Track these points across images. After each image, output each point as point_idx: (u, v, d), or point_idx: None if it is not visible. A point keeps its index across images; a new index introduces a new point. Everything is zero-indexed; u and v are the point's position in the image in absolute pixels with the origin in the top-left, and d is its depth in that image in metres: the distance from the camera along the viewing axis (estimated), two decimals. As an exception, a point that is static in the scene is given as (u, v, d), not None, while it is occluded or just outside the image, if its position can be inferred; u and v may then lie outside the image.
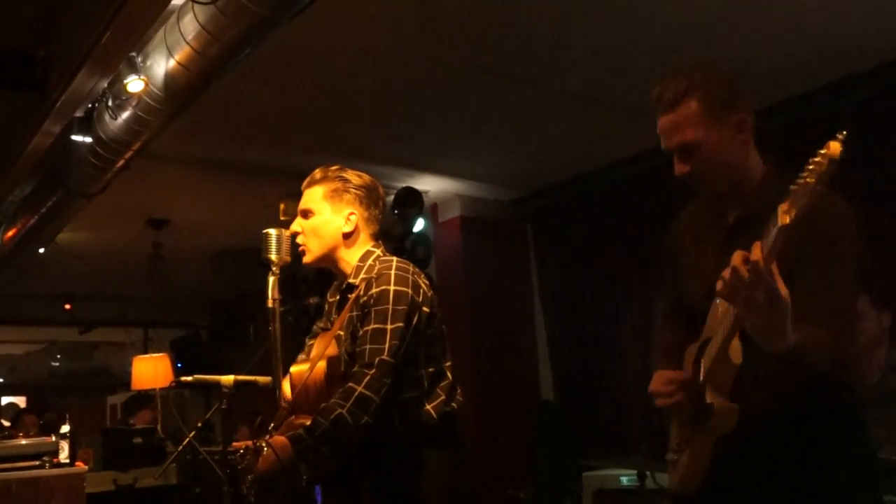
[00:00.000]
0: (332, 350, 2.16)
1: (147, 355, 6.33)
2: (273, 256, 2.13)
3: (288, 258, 2.16)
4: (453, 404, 2.17)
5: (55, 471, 4.01)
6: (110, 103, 3.45)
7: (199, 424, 2.79)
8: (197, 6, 2.74)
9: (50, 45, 3.45)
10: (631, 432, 5.00)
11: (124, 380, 7.70)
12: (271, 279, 2.12)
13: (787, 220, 1.23)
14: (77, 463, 4.29)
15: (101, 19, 2.79)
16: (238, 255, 6.91)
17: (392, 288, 2.08)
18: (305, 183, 2.28)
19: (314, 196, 2.24)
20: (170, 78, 3.10)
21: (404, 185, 5.41)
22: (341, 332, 2.18)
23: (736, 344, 1.51)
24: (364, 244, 2.25)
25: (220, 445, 2.46)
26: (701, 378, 1.62)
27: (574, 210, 5.65)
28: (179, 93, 3.19)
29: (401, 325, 2.05)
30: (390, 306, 2.06)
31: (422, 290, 2.15)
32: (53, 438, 4.14)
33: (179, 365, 8.13)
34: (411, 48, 3.65)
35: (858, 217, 1.63)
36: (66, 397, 11.71)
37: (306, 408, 2.12)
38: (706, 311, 1.65)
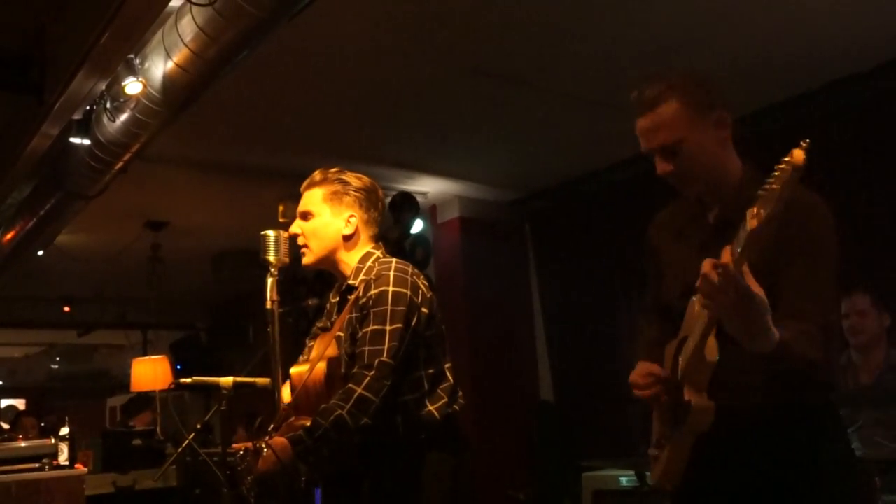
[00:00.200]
0: (332, 351, 2.16)
1: (146, 357, 6.33)
2: (271, 258, 2.13)
3: (286, 260, 2.15)
4: (455, 406, 2.17)
5: (55, 473, 4.01)
6: (108, 105, 3.46)
7: (199, 426, 2.79)
8: (195, 8, 2.74)
9: (48, 47, 3.45)
10: (630, 433, 5.00)
11: (123, 382, 7.70)
12: (270, 281, 2.12)
13: (755, 223, 1.25)
14: (77, 465, 4.29)
15: (98, 21, 2.78)
16: (237, 257, 6.91)
17: (391, 289, 2.08)
18: (305, 185, 2.28)
19: (314, 198, 2.24)
20: (168, 80, 3.10)
21: (403, 186, 5.42)
22: (341, 334, 2.18)
23: (712, 342, 1.53)
24: (364, 246, 2.25)
25: (219, 447, 2.46)
26: (679, 376, 1.64)
27: (573, 211, 5.66)
28: (177, 95, 3.20)
29: (400, 326, 2.05)
30: (389, 307, 2.06)
31: (421, 292, 2.14)
32: (53, 441, 4.13)
33: (179, 367, 8.13)
34: (410, 50, 3.66)
35: (836, 216, 1.66)
36: (65, 400, 11.71)
37: (306, 409, 2.12)
38: (685, 308, 1.66)
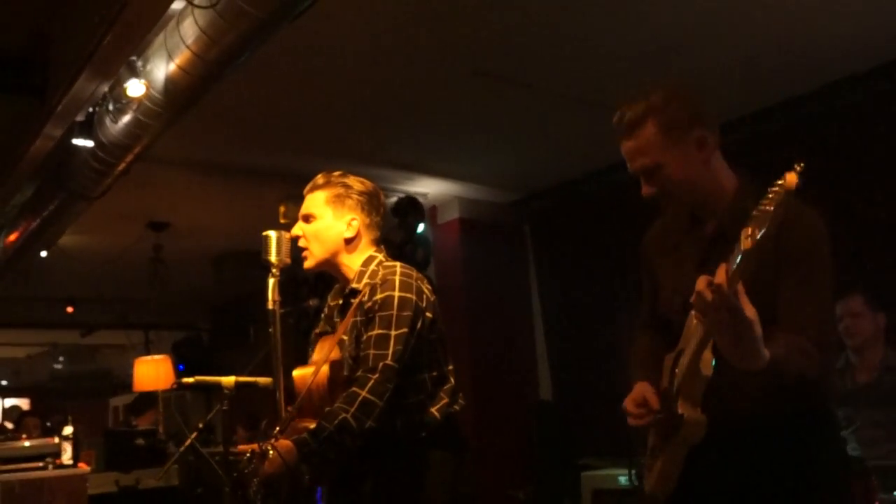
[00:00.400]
0: (336, 354, 2.18)
1: (148, 357, 6.35)
2: (273, 259, 2.13)
3: (288, 260, 2.16)
4: (455, 406, 2.20)
5: (58, 472, 4.04)
6: (111, 107, 3.47)
7: (201, 425, 2.80)
8: (197, 10, 2.76)
9: (50, 49, 3.47)
10: (629, 432, 5.01)
11: (126, 382, 7.71)
12: (271, 281, 2.12)
13: (750, 244, 1.27)
14: (80, 464, 4.32)
15: (101, 23, 2.80)
16: (238, 258, 6.93)
17: (397, 294, 2.10)
18: (308, 188, 2.29)
19: (316, 201, 2.25)
20: (170, 82, 3.11)
21: (403, 187, 5.43)
22: (345, 337, 2.19)
23: (707, 356, 1.55)
24: (366, 249, 2.26)
25: (220, 446, 2.47)
26: (674, 389, 1.65)
27: (572, 212, 5.67)
28: (179, 96, 3.21)
29: (405, 330, 2.07)
30: (395, 312, 2.08)
31: (425, 296, 2.16)
32: (56, 440, 4.16)
33: (181, 367, 8.15)
34: (411, 52, 3.67)
35: (832, 218, 1.68)
36: (68, 399, 11.72)
37: (310, 411, 2.14)
38: (683, 321, 1.67)
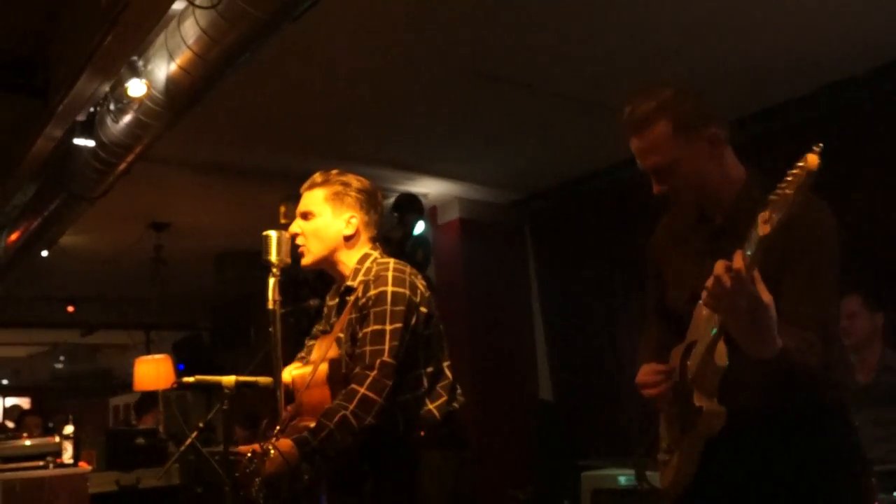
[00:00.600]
0: (333, 352, 2.18)
1: (149, 357, 6.36)
2: (273, 258, 2.13)
3: (288, 260, 2.17)
4: (455, 404, 2.20)
5: (59, 471, 4.04)
6: (112, 107, 3.48)
7: (201, 425, 2.81)
8: (198, 10, 2.76)
9: (52, 50, 3.48)
10: (629, 432, 5.02)
11: (126, 381, 7.72)
12: (272, 281, 2.12)
13: (768, 229, 1.25)
14: (80, 463, 4.33)
15: (102, 24, 2.81)
16: (239, 258, 6.93)
17: (390, 289, 2.10)
18: (306, 186, 2.30)
19: (315, 198, 2.26)
20: (171, 82, 3.12)
21: (403, 188, 5.43)
22: (341, 335, 2.19)
23: (721, 347, 1.53)
24: (363, 247, 2.27)
25: (221, 446, 2.48)
26: (688, 380, 1.64)
27: (572, 212, 5.67)
28: (180, 96, 3.22)
29: (399, 325, 2.07)
30: (388, 307, 2.08)
31: (419, 291, 2.16)
32: (57, 439, 4.16)
33: (181, 366, 8.16)
34: (411, 52, 3.68)
35: (839, 222, 1.66)
36: (68, 399, 11.75)
37: (309, 411, 2.14)
38: (690, 313, 1.66)
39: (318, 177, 2.29)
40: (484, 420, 5.38)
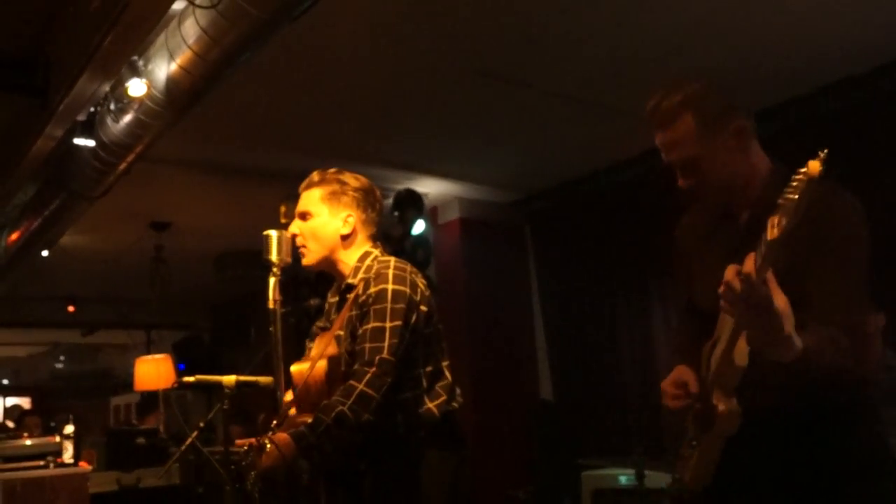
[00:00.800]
0: (333, 349, 2.18)
1: (149, 357, 6.36)
2: (274, 258, 2.14)
3: (289, 259, 2.17)
4: (454, 403, 2.20)
5: (59, 471, 4.04)
6: (112, 107, 3.48)
7: (201, 424, 2.81)
8: (198, 10, 2.77)
9: (52, 49, 3.48)
10: (629, 432, 5.02)
11: (127, 381, 7.73)
12: (272, 280, 2.13)
13: (777, 233, 1.25)
14: (81, 463, 4.33)
15: (102, 23, 2.81)
16: (239, 257, 6.94)
17: (390, 287, 2.10)
18: (303, 185, 2.30)
19: (312, 198, 2.26)
20: (171, 81, 3.12)
21: (404, 187, 5.43)
22: (341, 332, 2.20)
23: (742, 346, 1.51)
24: (362, 245, 2.27)
25: (221, 445, 2.48)
26: (709, 379, 1.63)
27: (573, 212, 5.68)
28: (181, 96, 3.22)
29: (399, 323, 2.07)
30: (389, 305, 2.08)
31: (420, 290, 2.17)
32: (58, 439, 4.17)
33: (182, 366, 8.17)
34: (411, 52, 3.68)
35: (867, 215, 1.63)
36: (69, 398, 11.76)
37: (308, 407, 2.14)
38: (718, 310, 1.60)
39: (315, 176, 2.30)
40: (484, 420, 5.38)
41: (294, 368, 2.25)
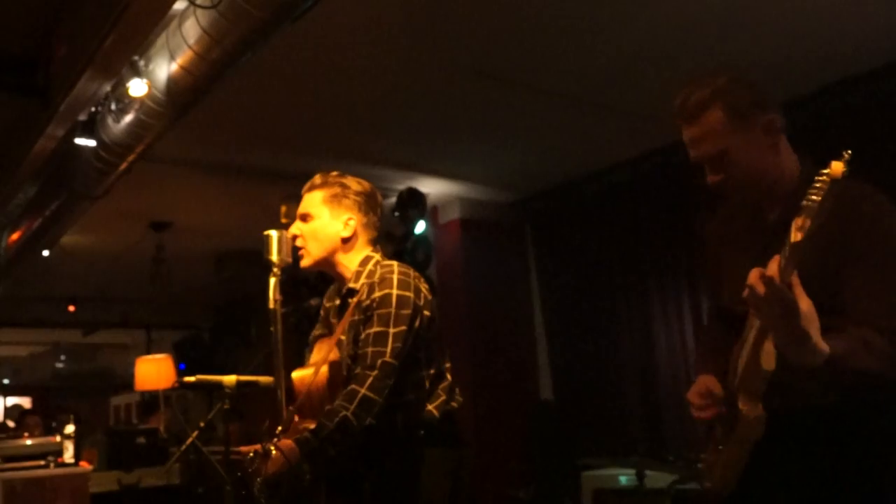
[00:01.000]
0: (335, 355, 2.19)
1: (150, 356, 6.36)
2: (274, 258, 2.13)
3: (289, 260, 2.17)
4: (453, 403, 2.21)
5: (60, 471, 4.05)
6: (113, 107, 3.49)
7: (202, 424, 2.82)
8: (199, 10, 2.77)
9: (53, 49, 3.48)
10: (630, 432, 5.03)
11: (127, 381, 7.74)
12: (272, 281, 2.13)
13: (800, 236, 1.24)
14: (81, 463, 4.33)
15: (103, 24, 2.81)
16: (239, 257, 6.95)
17: (395, 292, 2.11)
18: (305, 188, 2.31)
19: (313, 200, 2.27)
20: (172, 81, 3.13)
21: (404, 187, 5.44)
22: (343, 337, 2.20)
23: (769, 349, 1.48)
24: (362, 249, 2.27)
25: (221, 445, 2.49)
26: (736, 383, 1.61)
27: (573, 212, 5.68)
28: (181, 96, 3.22)
29: (403, 328, 2.08)
30: (393, 310, 2.09)
31: (423, 295, 2.18)
32: (58, 439, 4.17)
33: (182, 366, 8.17)
34: (412, 52, 3.68)
35: None
36: (70, 398, 11.76)
37: (310, 412, 2.15)
38: (747, 312, 1.57)
39: (317, 179, 2.30)
40: (484, 420, 5.39)
41: (296, 374, 2.25)
